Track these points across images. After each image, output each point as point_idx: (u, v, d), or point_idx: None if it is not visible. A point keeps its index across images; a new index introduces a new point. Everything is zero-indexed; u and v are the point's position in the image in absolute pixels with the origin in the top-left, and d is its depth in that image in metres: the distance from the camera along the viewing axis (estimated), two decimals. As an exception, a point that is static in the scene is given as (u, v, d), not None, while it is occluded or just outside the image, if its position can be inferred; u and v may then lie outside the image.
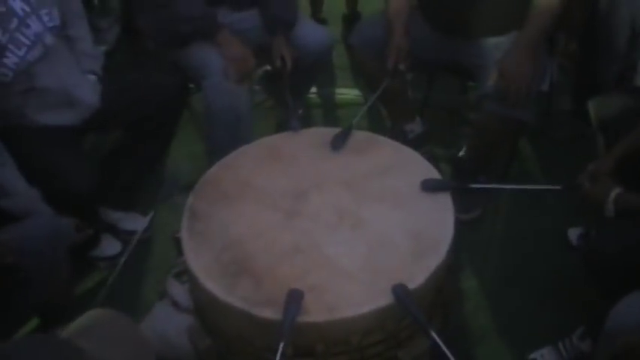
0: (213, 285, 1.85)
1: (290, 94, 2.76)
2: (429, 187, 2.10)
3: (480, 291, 2.67)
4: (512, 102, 2.52)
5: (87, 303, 2.57)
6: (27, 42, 2.38)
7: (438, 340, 1.67)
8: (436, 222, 2.00)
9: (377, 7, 4.29)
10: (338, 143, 2.32)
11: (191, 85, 3.01)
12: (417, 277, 1.83)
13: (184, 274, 2.27)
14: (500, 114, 2.59)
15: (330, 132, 2.37)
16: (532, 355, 2.38)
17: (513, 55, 2.53)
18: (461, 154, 2.96)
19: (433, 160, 2.43)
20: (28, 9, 2.39)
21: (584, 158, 2.23)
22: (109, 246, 2.87)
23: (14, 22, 2.34)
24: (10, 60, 2.33)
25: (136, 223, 2.96)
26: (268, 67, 3.40)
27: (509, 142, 2.99)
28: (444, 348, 1.66)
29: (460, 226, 2.01)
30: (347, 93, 3.74)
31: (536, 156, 3.19)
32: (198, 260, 1.94)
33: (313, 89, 3.58)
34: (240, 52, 2.82)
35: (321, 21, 4.09)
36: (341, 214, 2.04)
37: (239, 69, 2.80)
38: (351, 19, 4.19)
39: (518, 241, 2.85)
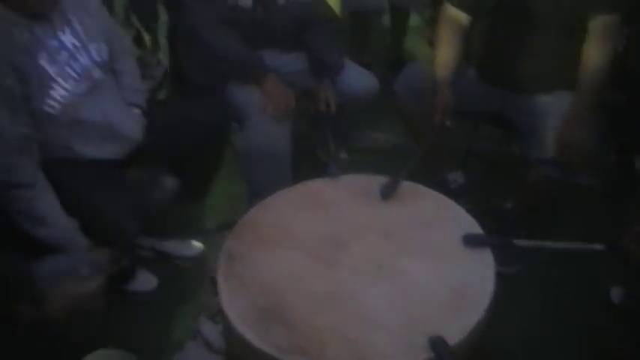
0: (246, 330, 1.83)
1: (332, 138, 2.76)
2: (471, 242, 2.07)
3: (518, 348, 2.61)
4: (573, 170, 2.50)
5: (119, 337, 2.56)
6: (75, 75, 2.41)
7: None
8: (477, 278, 1.96)
9: (421, 52, 4.34)
10: (387, 192, 2.30)
11: (234, 124, 3.03)
12: (455, 333, 1.78)
13: (218, 315, 2.25)
14: (560, 180, 2.58)
15: (372, 179, 2.35)
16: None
17: (570, 124, 2.52)
18: (506, 206, 2.92)
19: (474, 211, 2.40)
20: (78, 43, 2.44)
21: (630, 213, 2.18)
22: (145, 281, 2.87)
23: (64, 56, 2.39)
24: (58, 92, 2.37)
25: (191, 249, 2.99)
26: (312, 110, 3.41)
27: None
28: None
29: (500, 280, 1.98)
30: (388, 138, 3.72)
31: (580, 209, 3.14)
32: (233, 303, 1.92)
33: (355, 133, 3.57)
34: (279, 90, 2.84)
35: (366, 65, 4.10)
36: (380, 265, 2.01)
37: (278, 106, 2.80)
38: (396, 64, 4.19)
39: (560, 297, 2.79)
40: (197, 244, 3.01)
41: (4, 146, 2.26)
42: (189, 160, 2.79)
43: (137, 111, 2.72)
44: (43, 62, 2.33)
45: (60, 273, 2.09)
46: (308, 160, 3.45)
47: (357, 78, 3.02)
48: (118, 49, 2.69)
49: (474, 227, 2.16)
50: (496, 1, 2.67)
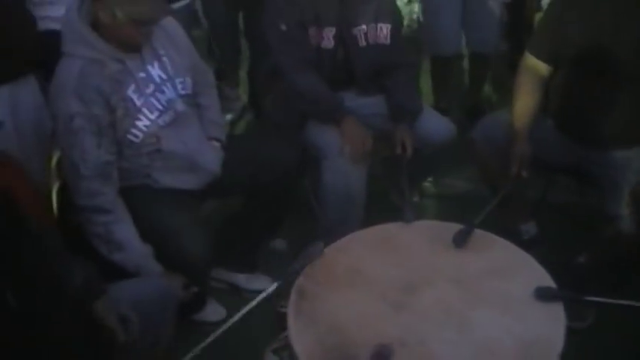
0: (313, 368, 1.85)
1: (407, 182, 2.77)
2: (542, 295, 2.05)
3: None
4: None
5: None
6: (160, 107, 2.50)
7: None
8: (546, 332, 1.95)
9: (498, 99, 4.33)
10: (460, 240, 2.31)
11: (309, 162, 3.05)
12: (521, 387, 1.78)
13: (283, 350, 2.27)
14: (637, 236, 2.54)
15: (445, 226, 2.36)
16: None
17: None
18: (580, 260, 2.88)
19: (546, 263, 2.38)
20: (164, 76, 2.53)
21: None
22: (214, 311, 2.90)
23: (151, 88, 2.48)
24: (142, 123, 2.45)
25: (261, 283, 2.98)
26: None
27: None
28: None
29: (570, 335, 1.95)
30: (461, 184, 3.71)
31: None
32: (300, 340, 1.95)
33: (428, 178, 3.57)
34: (358, 132, 2.86)
35: (443, 110, 4.10)
36: (449, 312, 2.01)
37: (356, 148, 2.83)
38: (473, 110, 4.18)
39: (631, 355, 2.72)
40: (267, 279, 3.03)
41: (86, 171, 2.35)
42: (263, 195, 2.83)
43: (217, 144, 2.78)
44: (131, 93, 2.43)
45: (132, 298, 2.15)
46: (380, 203, 3.45)
47: (435, 123, 3.03)
48: (202, 83, 2.77)
49: (545, 280, 2.14)
50: (577, 52, 2.66)
